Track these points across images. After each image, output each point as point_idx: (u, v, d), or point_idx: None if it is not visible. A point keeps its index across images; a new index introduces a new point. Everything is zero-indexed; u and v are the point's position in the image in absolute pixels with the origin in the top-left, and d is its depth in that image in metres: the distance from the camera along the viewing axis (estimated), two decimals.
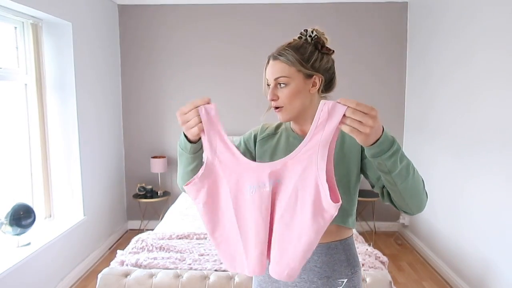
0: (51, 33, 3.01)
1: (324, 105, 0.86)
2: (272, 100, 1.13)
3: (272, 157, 1.19)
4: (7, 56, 2.69)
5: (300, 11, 3.91)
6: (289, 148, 1.16)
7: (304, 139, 0.92)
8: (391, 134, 0.93)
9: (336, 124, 0.85)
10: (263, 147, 1.23)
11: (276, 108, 1.15)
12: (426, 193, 1.04)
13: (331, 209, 0.90)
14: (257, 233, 0.97)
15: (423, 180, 1.03)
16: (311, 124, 0.92)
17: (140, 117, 4.13)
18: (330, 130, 0.87)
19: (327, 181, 0.90)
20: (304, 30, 1.16)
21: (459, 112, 2.92)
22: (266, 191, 0.95)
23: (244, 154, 1.20)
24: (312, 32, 1.15)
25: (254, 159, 1.24)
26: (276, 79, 1.12)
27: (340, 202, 0.90)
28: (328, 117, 0.86)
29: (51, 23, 2.98)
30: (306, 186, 0.92)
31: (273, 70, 1.13)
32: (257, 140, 1.25)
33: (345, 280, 1.16)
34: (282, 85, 1.12)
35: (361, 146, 1.08)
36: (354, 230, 1.07)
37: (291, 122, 1.23)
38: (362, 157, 1.13)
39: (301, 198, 0.93)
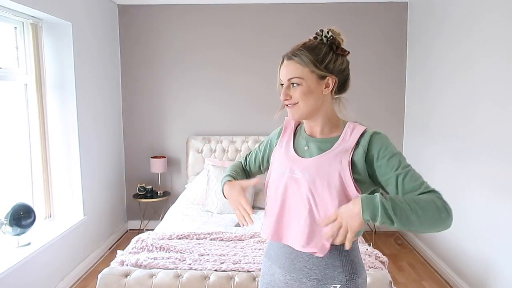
0: (51, 33, 3.01)
1: (349, 126, 1.17)
2: (285, 100, 1.16)
3: (286, 151, 1.26)
4: (7, 56, 2.69)
5: (300, 11, 3.91)
6: (298, 147, 1.24)
7: (337, 142, 1.15)
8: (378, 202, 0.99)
9: (355, 140, 1.13)
10: (282, 140, 1.30)
11: (288, 105, 1.17)
12: (447, 210, 1.00)
13: (353, 197, 1.07)
14: (273, 207, 1.22)
15: (438, 205, 1.00)
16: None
17: (140, 117, 4.13)
18: (352, 142, 1.13)
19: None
20: (320, 30, 1.17)
21: (459, 114, 2.92)
22: (294, 177, 1.16)
23: (266, 147, 1.39)
24: (327, 32, 1.16)
25: (270, 151, 1.37)
26: (289, 79, 1.15)
27: (360, 193, 1.08)
28: (351, 133, 1.15)
29: (51, 23, 2.98)
30: (332, 178, 1.10)
31: (287, 70, 1.15)
32: (280, 137, 1.33)
33: (338, 286, 1.14)
34: (295, 85, 1.14)
35: (367, 167, 1.12)
36: (359, 238, 1.11)
37: (304, 122, 1.25)
38: (372, 174, 1.12)
39: (329, 187, 1.10)
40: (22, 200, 2.56)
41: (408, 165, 1.07)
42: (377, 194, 1.01)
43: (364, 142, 1.11)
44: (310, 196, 1.12)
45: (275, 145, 1.33)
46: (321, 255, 1.13)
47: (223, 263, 2.09)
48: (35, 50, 2.83)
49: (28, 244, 2.54)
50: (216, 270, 2.02)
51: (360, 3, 3.89)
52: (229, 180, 1.32)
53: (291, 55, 1.15)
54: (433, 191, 1.05)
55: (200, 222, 2.95)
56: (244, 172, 1.46)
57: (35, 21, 2.82)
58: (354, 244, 1.19)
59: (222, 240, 2.47)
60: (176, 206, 3.35)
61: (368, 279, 1.92)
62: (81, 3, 3.20)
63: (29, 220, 2.47)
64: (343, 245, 1.09)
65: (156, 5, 3.96)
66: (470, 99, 2.76)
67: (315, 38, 1.17)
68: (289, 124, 1.31)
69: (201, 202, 3.36)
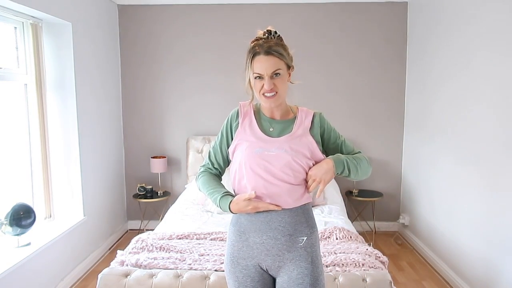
0: (51, 33, 3.01)
1: (302, 110, 1.47)
2: (271, 89, 1.34)
3: (252, 133, 1.42)
4: (7, 56, 2.69)
5: (300, 11, 3.91)
6: (263, 129, 1.42)
7: (296, 123, 1.42)
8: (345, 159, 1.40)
9: (310, 121, 1.45)
10: (243, 124, 1.45)
11: (267, 95, 1.35)
12: (370, 163, 1.47)
13: (319, 159, 1.41)
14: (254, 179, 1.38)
15: (366, 160, 1.46)
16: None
17: (140, 117, 4.13)
18: (308, 122, 1.44)
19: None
20: (267, 30, 1.37)
21: (459, 112, 2.92)
22: (269, 154, 1.35)
23: (226, 133, 1.50)
24: (275, 32, 1.38)
25: (231, 137, 1.49)
26: (273, 71, 1.33)
27: (324, 156, 1.42)
28: (305, 116, 1.46)
29: (51, 23, 2.98)
30: (303, 148, 1.37)
31: (270, 63, 1.33)
32: (239, 121, 1.47)
33: (305, 238, 1.39)
34: (277, 75, 1.34)
35: (321, 139, 1.46)
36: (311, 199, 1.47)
37: (261, 106, 1.48)
38: (323, 141, 1.47)
39: (303, 157, 1.36)
40: (22, 200, 2.56)
41: (342, 135, 1.51)
42: (340, 154, 1.41)
43: (316, 120, 1.45)
44: (289, 165, 1.35)
45: (235, 128, 1.45)
46: (310, 201, 1.43)
47: (223, 263, 2.09)
48: (35, 50, 2.83)
49: (28, 244, 2.54)
50: (216, 270, 2.02)
51: (360, 3, 3.89)
52: (230, 197, 1.40)
53: (271, 51, 1.32)
54: (359, 152, 1.50)
55: (200, 222, 2.95)
56: (219, 178, 1.55)
57: (35, 21, 2.82)
58: (309, 205, 1.45)
59: (222, 240, 2.47)
60: (176, 206, 3.35)
61: (368, 279, 1.93)
62: (81, 3, 3.21)
63: (29, 220, 2.48)
64: (305, 205, 1.41)
65: (156, 5, 3.96)
66: (470, 98, 2.76)
67: (269, 33, 1.36)
68: (248, 109, 1.49)
69: (201, 202, 3.36)
